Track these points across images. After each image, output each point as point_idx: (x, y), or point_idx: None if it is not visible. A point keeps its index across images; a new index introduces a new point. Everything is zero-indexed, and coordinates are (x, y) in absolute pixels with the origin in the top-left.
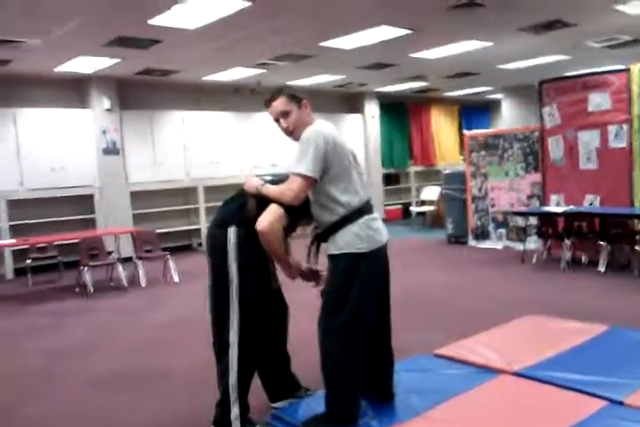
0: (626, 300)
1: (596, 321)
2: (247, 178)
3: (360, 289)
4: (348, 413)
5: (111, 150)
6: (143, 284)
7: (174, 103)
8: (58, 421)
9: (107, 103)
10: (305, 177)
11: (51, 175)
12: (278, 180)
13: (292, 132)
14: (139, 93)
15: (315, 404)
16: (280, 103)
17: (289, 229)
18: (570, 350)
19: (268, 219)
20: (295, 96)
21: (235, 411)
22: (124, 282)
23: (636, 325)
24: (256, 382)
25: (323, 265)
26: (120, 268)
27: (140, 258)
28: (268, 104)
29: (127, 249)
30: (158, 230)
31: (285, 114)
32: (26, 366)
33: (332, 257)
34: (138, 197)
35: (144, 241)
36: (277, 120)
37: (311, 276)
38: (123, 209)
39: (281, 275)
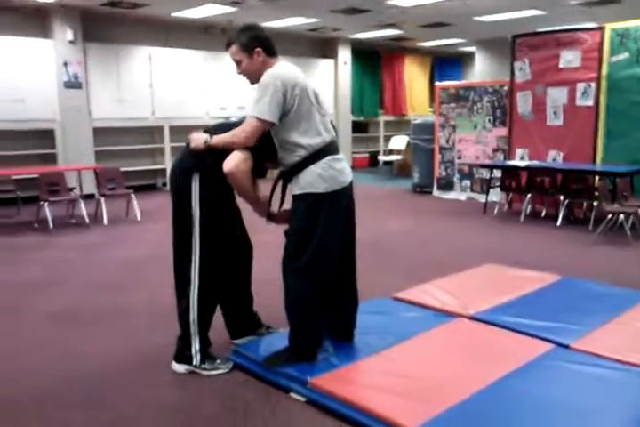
0: (579, 252)
1: (550, 271)
2: (192, 137)
3: (323, 229)
4: (308, 349)
5: (73, 84)
6: (105, 222)
7: (141, 39)
8: (15, 353)
9: (70, 34)
10: (260, 120)
11: (10, 107)
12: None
13: (248, 78)
14: (104, 26)
15: (275, 341)
16: (232, 51)
17: (258, 173)
18: (523, 297)
19: (234, 160)
20: (246, 45)
21: (195, 345)
22: (86, 219)
23: (586, 275)
24: (218, 320)
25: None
26: (82, 205)
27: (103, 195)
28: (226, 49)
29: (89, 186)
30: (122, 169)
31: (237, 62)
32: None
33: (294, 197)
34: (101, 133)
35: (107, 179)
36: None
37: (282, 217)
38: (85, 145)
39: (251, 215)
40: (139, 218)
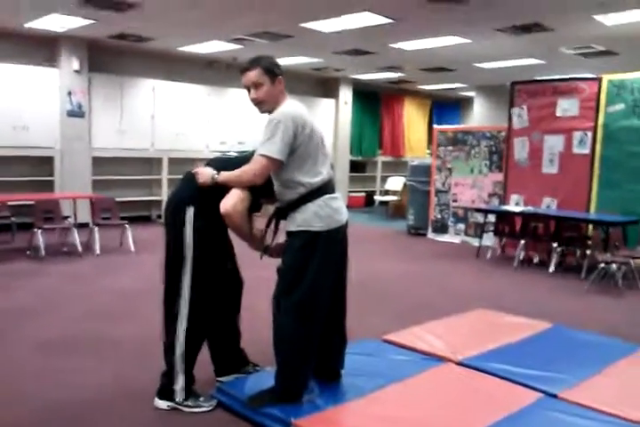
0: (571, 300)
1: (541, 319)
2: (199, 171)
3: (316, 268)
4: (294, 390)
5: (76, 113)
6: (98, 251)
7: (146, 71)
8: (1, 382)
9: (76, 64)
10: (270, 158)
11: (11, 134)
12: (242, 157)
13: (259, 104)
14: (110, 58)
15: (261, 380)
16: (255, 74)
17: (253, 208)
18: (513, 344)
19: (233, 200)
20: (271, 70)
21: (179, 382)
22: (79, 248)
23: (577, 324)
24: (203, 356)
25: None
26: (75, 233)
27: (97, 225)
28: (243, 71)
29: (84, 215)
30: (118, 199)
31: (257, 85)
32: None
33: (289, 234)
34: (100, 162)
35: (102, 208)
36: (248, 89)
37: (276, 251)
38: (83, 174)
39: (244, 249)
40: (132, 249)
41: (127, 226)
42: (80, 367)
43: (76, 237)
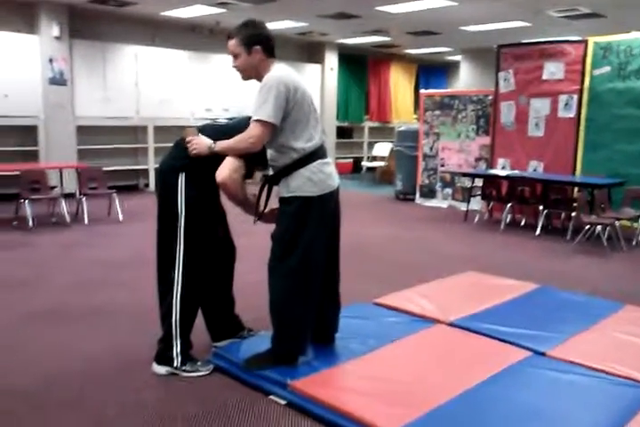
0: (557, 262)
1: (528, 280)
2: (194, 141)
3: (310, 233)
4: (291, 352)
5: (58, 81)
6: (86, 221)
7: (128, 37)
8: None
9: (56, 30)
10: (265, 123)
11: None
12: (234, 123)
13: (240, 73)
14: (91, 23)
15: (256, 344)
16: (232, 44)
17: (247, 175)
18: (501, 305)
19: (228, 169)
20: (247, 41)
21: (177, 347)
22: (67, 218)
23: (563, 285)
24: (199, 322)
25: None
26: (63, 203)
27: (85, 195)
28: (226, 40)
29: (71, 185)
30: (104, 168)
31: (235, 55)
32: None
33: (283, 200)
34: (84, 131)
35: (89, 178)
36: (232, 56)
37: (270, 216)
38: (67, 143)
39: (237, 217)
40: (120, 218)
41: (115, 195)
42: (74, 337)
43: (64, 208)
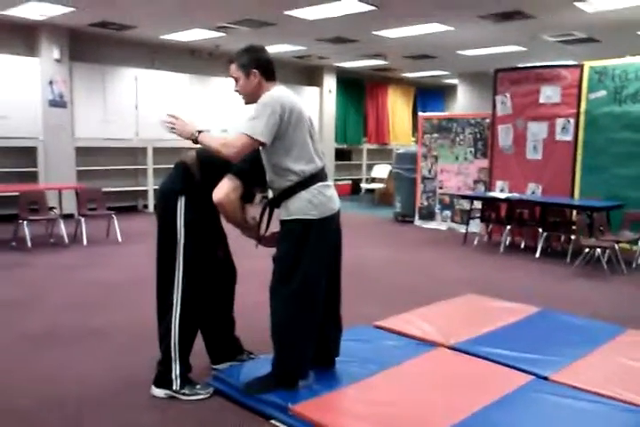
0: (557, 284)
1: (528, 302)
2: (178, 123)
3: (311, 256)
4: (291, 376)
5: (58, 103)
6: (85, 242)
7: (128, 60)
8: None
9: (56, 53)
10: (251, 138)
11: None
12: None
13: (242, 97)
14: (91, 46)
15: (256, 367)
16: (232, 69)
17: (247, 198)
18: (503, 328)
19: (224, 190)
20: (245, 65)
21: (175, 370)
22: (65, 239)
23: (564, 308)
24: (199, 344)
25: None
26: (61, 224)
27: (84, 215)
28: (227, 65)
29: (70, 206)
30: (103, 189)
31: (235, 79)
32: None
33: (283, 222)
34: (83, 153)
35: (88, 199)
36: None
37: (270, 240)
38: (67, 164)
39: (237, 239)
40: (119, 239)
41: (114, 216)
42: (71, 358)
43: (63, 228)
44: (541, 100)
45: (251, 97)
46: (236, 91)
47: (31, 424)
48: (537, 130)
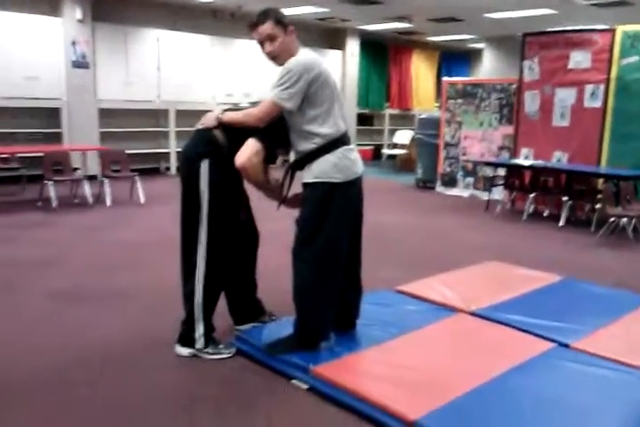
0: (581, 253)
1: (551, 271)
2: (204, 119)
3: (334, 219)
4: (313, 337)
5: (81, 64)
6: (108, 203)
7: (150, 21)
8: (13, 329)
9: (79, 13)
10: (276, 104)
11: (18, 85)
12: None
13: (276, 58)
14: (113, 7)
15: (279, 329)
16: (267, 27)
17: (269, 159)
18: (524, 296)
19: (246, 154)
20: (282, 21)
21: (199, 329)
22: (89, 200)
23: (587, 277)
24: (222, 306)
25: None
26: (86, 185)
27: (107, 177)
28: (253, 27)
29: (93, 167)
30: (126, 151)
31: (272, 38)
32: None
33: (306, 185)
34: (106, 114)
35: (112, 160)
36: (262, 43)
37: (293, 202)
38: (90, 126)
39: (260, 202)
40: (142, 201)
41: (137, 178)
42: (95, 317)
43: (87, 189)
44: (570, 66)
45: (284, 56)
46: (270, 52)
47: (58, 382)
48: (565, 96)
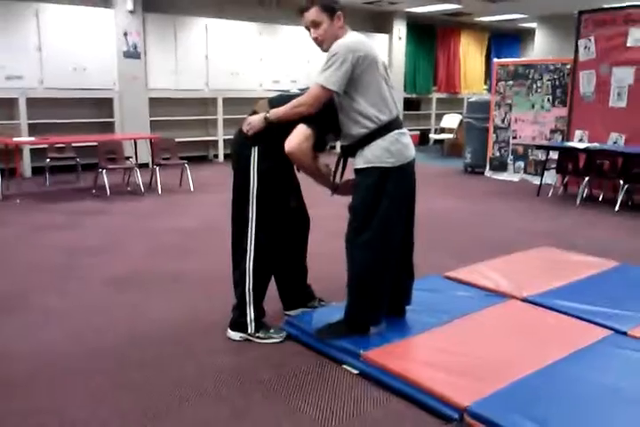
0: (637, 239)
1: (606, 257)
2: (248, 124)
3: (388, 204)
4: (364, 323)
5: (132, 54)
6: (159, 190)
7: (198, 9)
8: (74, 313)
9: (130, 4)
10: (324, 88)
11: (72, 75)
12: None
13: (322, 43)
14: None
15: (328, 314)
16: (312, 13)
17: (318, 147)
18: (579, 282)
19: (297, 139)
20: (329, 7)
21: (250, 314)
22: (141, 187)
23: None
24: (272, 291)
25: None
26: (138, 173)
27: (158, 165)
28: (301, 12)
29: (144, 155)
30: (175, 139)
31: (316, 24)
32: (45, 261)
33: (359, 171)
34: (156, 103)
35: (162, 149)
36: (308, 29)
37: (345, 188)
38: (141, 115)
39: (311, 188)
40: (192, 188)
41: (186, 166)
42: (150, 302)
43: (139, 177)
44: (629, 44)
45: (331, 42)
46: (316, 37)
47: (115, 361)
48: (622, 76)
